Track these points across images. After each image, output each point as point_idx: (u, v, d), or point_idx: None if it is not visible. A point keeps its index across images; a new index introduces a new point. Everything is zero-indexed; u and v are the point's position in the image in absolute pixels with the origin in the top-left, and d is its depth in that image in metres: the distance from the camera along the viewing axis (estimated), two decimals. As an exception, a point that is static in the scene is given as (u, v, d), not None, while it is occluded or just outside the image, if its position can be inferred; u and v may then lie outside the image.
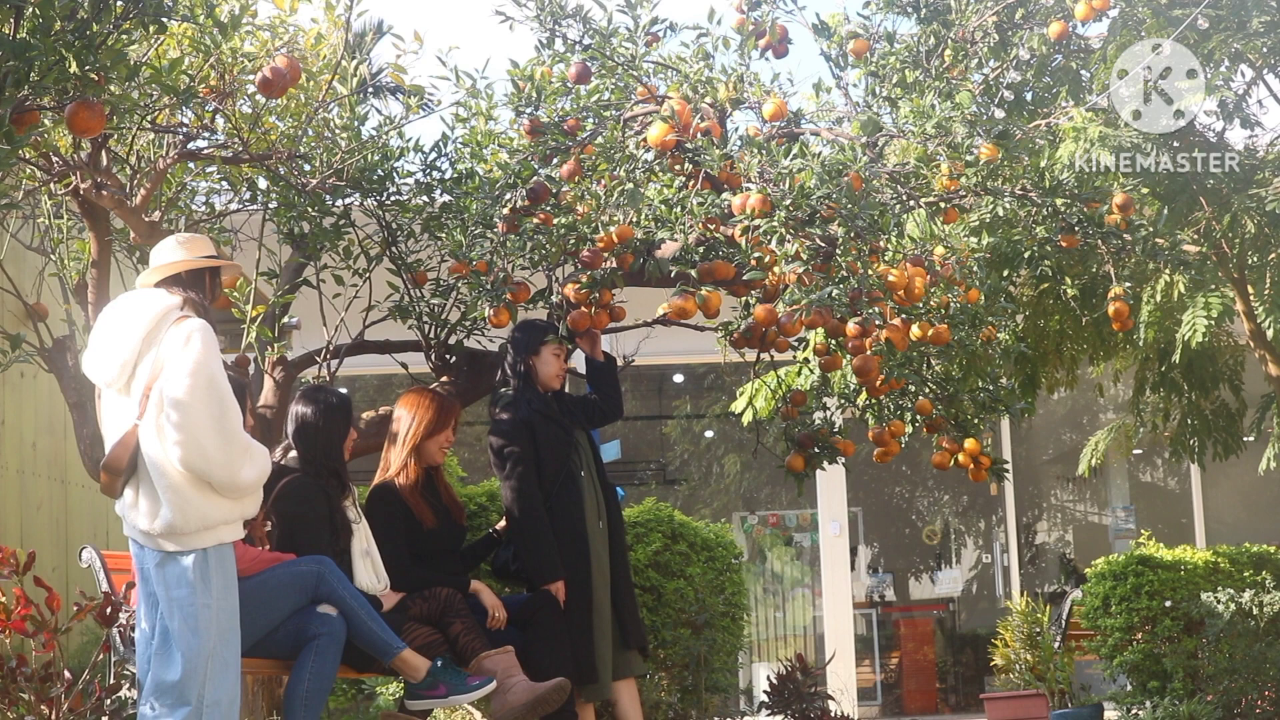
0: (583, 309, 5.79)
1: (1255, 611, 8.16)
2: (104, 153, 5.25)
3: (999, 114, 6.66)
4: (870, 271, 5.66)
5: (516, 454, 5.81)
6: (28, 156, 5.08)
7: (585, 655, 5.73)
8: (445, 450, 5.86)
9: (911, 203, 6.17)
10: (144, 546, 4.40)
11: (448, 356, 6.28)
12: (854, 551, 14.35)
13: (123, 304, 4.52)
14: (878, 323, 5.76)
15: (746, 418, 7.75)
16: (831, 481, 13.08)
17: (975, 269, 6.12)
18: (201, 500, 4.32)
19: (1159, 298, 7.33)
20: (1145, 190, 7.32)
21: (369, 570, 5.40)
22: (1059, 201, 6.22)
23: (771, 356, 6.66)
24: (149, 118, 5.03)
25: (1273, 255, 7.34)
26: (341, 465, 5.45)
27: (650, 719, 7.27)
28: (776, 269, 5.49)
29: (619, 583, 5.98)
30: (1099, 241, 6.23)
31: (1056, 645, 9.65)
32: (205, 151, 5.42)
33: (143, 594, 4.47)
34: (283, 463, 5.50)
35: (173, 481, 4.29)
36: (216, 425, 4.27)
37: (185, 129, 5.27)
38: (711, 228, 5.77)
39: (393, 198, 5.99)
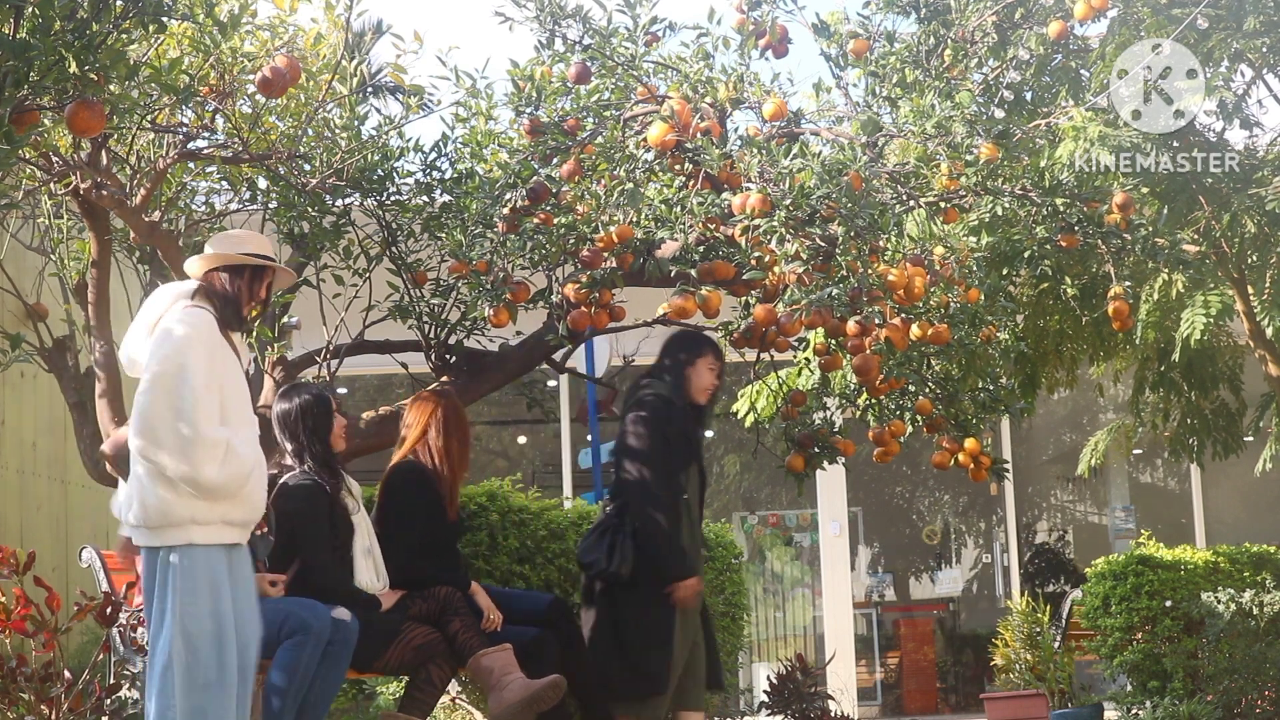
0: (583, 309, 5.79)
1: (1255, 611, 8.16)
2: (104, 153, 5.25)
3: (999, 114, 6.66)
4: (870, 271, 5.66)
5: (660, 446, 5.70)
6: (28, 156, 5.08)
7: (658, 668, 5.59)
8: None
9: (911, 202, 6.17)
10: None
11: (448, 356, 6.28)
12: (854, 551, 14.36)
13: (151, 296, 4.45)
14: (878, 322, 5.76)
15: (748, 419, 7.75)
16: (831, 481, 13.08)
17: (975, 269, 6.12)
18: (164, 494, 4.12)
19: (1157, 296, 7.33)
20: (1145, 190, 7.32)
21: (370, 569, 5.40)
22: (1059, 201, 6.21)
23: (771, 356, 6.66)
24: (149, 118, 5.03)
25: (1273, 255, 7.34)
26: (331, 455, 5.45)
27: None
28: (776, 269, 5.49)
29: (706, 621, 5.92)
30: (1099, 241, 6.23)
31: (1056, 645, 9.65)
32: (205, 151, 5.42)
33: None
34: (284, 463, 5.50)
35: (136, 472, 4.16)
36: (174, 415, 4.07)
37: (185, 129, 5.27)
38: (711, 228, 5.76)
39: (393, 198, 5.99)
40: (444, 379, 6.29)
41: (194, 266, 4.50)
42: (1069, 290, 7.59)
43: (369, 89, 8.40)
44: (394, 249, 6.16)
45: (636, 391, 5.91)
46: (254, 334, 5.65)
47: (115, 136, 5.28)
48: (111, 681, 5.00)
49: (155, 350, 4.17)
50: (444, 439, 5.74)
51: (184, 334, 4.18)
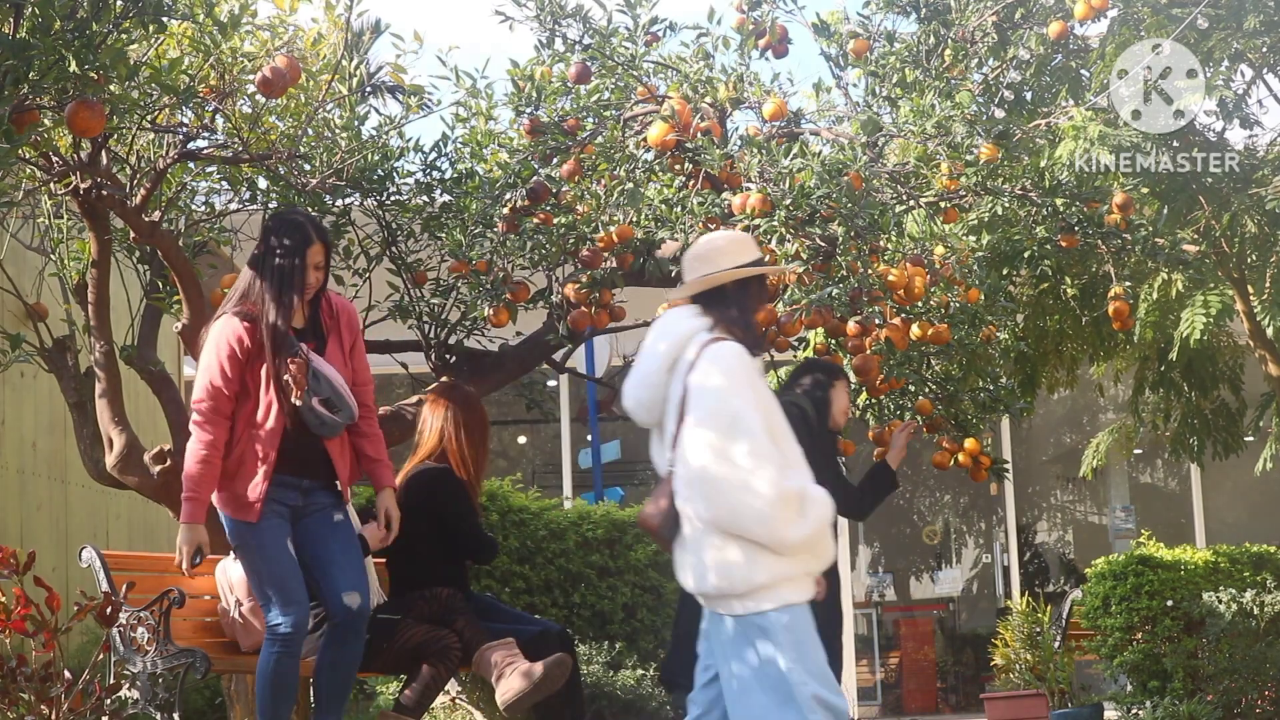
0: (583, 309, 5.79)
1: (1256, 612, 8.16)
2: (104, 153, 5.24)
3: (999, 114, 6.67)
4: (870, 271, 5.66)
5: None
6: (28, 156, 5.07)
7: None
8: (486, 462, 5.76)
9: (911, 202, 6.17)
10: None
11: (448, 356, 6.28)
12: (854, 551, 14.35)
13: (654, 330, 3.87)
14: (878, 322, 5.76)
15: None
16: (831, 481, 13.06)
17: (975, 268, 6.12)
18: (743, 557, 3.62)
19: (1157, 296, 7.33)
20: (1145, 190, 7.32)
21: (374, 578, 5.38)
22: (1059, 201, 6.22)
23: (772, 356, 6.66)
24: (149, 118, 5.03)
25: (1273, 255, 7.34)
26: None
27: (650, 719, 7.27)
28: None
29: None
30: (1099, 241, 6.24)
31: (1056, 645, 9.65)
32: (205, 151, 5.42)
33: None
34: None
35: (702, 538, 3.65)
36: (739, 477, 3.56)
37: (185, 129, 5.27)
38: (712, 227, 5.77)
39: (393, 198, 5.98)
40: (444, 379, 6.29)
41: (686, 292, 3.89)
42: (1069, 290, 7.59)
43: (369, 89, 8.41)
44: (394, 249, 6.16)
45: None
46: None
47: (115, 136, 5.28)
48: (111, 681, 5.00)
49: (699, 402, 3.63)
50: (469, 445, 5.54)
51: (722, 375, 3.64)
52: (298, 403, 4.55)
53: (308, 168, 5.57)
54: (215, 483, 4.57)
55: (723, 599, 3.69)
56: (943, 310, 6.05)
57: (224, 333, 4.56)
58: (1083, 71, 7.29)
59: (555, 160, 5.83)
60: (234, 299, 4.63)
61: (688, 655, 5.82)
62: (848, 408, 5.85)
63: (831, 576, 5.72)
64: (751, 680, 3.66)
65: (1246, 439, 9.61)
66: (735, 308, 3.83)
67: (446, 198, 6.06)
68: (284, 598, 4.60)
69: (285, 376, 4.53)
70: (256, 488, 4.56)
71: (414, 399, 6.02)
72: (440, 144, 6.10)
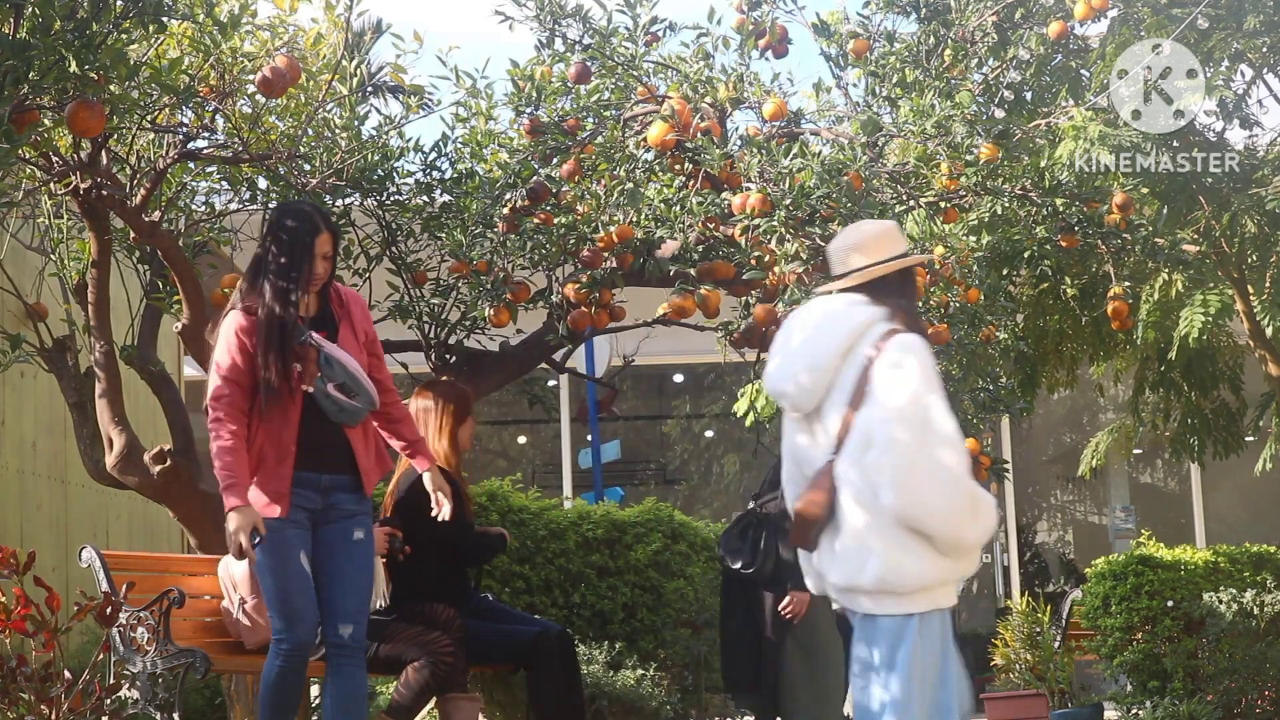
0: (582, 309, 5.79)
1: (1256, 612, 8.16)
2: (104, 153, 5.24)
3: (999, 114, 6.67)
4: (870, 271, 5.65)
5: None
6: (28, 156, 5.07)
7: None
8: (471, 438, 5.72)
9: (911, 202, 6.17)
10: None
11: (448, 356, 6.28)
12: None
13: (814, 317, 3.78)
14: (878, 322, 5.75)
15: (748, 419, 7.75)
16: (831, 481, 13.04)
17: (975, 269, 6.12)
18: (910, 556, 3.57)
19: (1157, 296, 7.34)
20: (1145, 190, 7.33)
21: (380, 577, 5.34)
22: (1059, 201, 6.22)
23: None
24: (149, 118, 5.03)
25: (1273, 255, 7.34)
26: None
27: (650, 719, 7.27)
28: (776, 268, 5.50)
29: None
30: (1099, 241, 6.24)
31: (1056, 645, 9.64)
32: (205, 151, 5.41)
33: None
34: None
35: (885, 530, 3.57)
36: (933, 469, 3.52)
37: (185, 129, 5.27)
38: (711, 227, 5.77)
39: (393, 198, 5.98)
40: (443, 379, 6.29)
41: (854, 280, 3.78)
42: (1069, 290, 7.59)
43: (369, 89, 8.41)
44: (394, 249, 6.16)
45: None
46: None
47: (115, 136, 5.28)
48: (111, 681, 5.00)
49: (891, 392, 3.57)
50: (439, 433, 5.50)
51: (918, 368, 3.59)
52: (309, 389, 4.47)
53: (308, 168, 5.56)
54: (248, 466, 4.44)
55: (878, 595, 3.62)
56: (943, 310, 6.05)
57: (231, 327, 4.51)
58: (1083, 71, 7.30)
59: (555, 160, 5.83)
60: (242, 293, 4.57)
61: (744, 655, 5.81)
62: None
63: None
64: (884, 677, 3.62)
65: (1246, 439, 9.62)
66: (904, 297, 3.78)
67: (446, 198, 6.06)
68: (289, 615, 4.50)
69: (295, 365, 4.45)
70: (282, 480, 4.46)
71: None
72: (440, 144, 6.11)
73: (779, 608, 5.55)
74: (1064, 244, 6.32)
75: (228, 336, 4.51)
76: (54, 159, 5.21)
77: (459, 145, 6.18)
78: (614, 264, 5.75)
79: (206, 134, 5.39)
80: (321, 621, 4.58)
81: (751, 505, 5.75)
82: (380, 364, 4.73)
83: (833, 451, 3.63)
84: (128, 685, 5.03)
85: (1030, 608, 9.87)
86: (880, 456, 3.54)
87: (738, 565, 5.63)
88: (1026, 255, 6.75)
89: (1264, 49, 7.11)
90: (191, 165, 5.69)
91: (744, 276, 5.62)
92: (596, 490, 11.05)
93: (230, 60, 5.14)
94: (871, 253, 3.79)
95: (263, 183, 5.93)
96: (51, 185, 5.50)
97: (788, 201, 5.33)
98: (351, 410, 4.53)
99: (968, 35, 6.71)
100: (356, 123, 5.89)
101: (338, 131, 5.80)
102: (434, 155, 6.06)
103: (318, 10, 5.90)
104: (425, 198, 6.07)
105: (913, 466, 3.52)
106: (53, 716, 4.72)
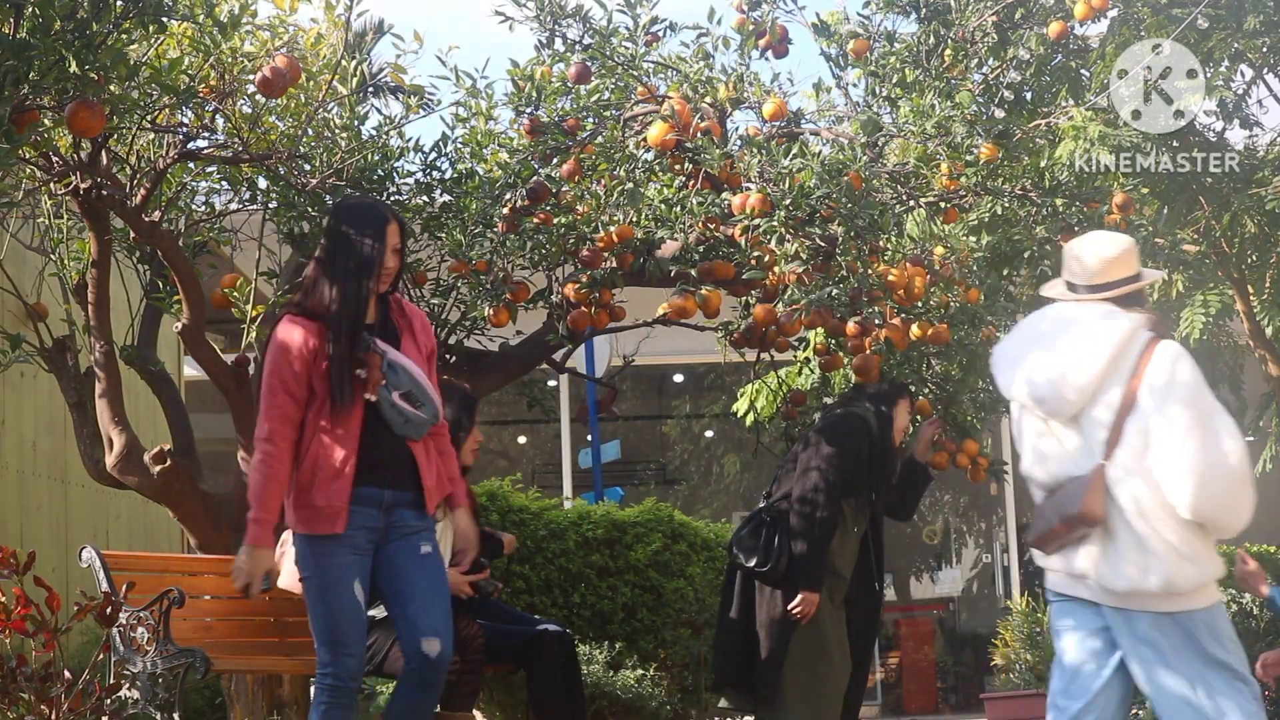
0: (582, 309, 5.79)
1: (1256, 612, 8.16)
2: (104, 153, 5.24)
3: (999, 114, 6.67)
4: (870, 271, 5.67)
5: (846, 468, 5.63)
6: (28, 156, 5.07)
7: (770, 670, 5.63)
8: (476, 452, 5.72)
9: (911, 202, 6.18)
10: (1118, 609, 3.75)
11: (448, 356, 6.28)
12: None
13: (1067, 323, 3.92)
14: (877, 322, 5.76)
15: (749, 419, 7.75)
16: (831, 481, 13.04)
17: (975, 269, 6.13)
18: (1202, 556, 3.67)
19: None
20: (1145, 190, 7.33)
21: None
22: (1059, 201, 6.22)
23: (771, 356, 6.66)
24: (149, 118, 5.03)
25: (1273, 255, 7.35)
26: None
27: (650, 719, 7.27)
28: (776, 269, 5.50)
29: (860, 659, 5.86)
30: (1099, 241, 6.22)
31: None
32: (205, 151, 5.42)
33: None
34: None
35: (1170, 532, 3.63)
36: (1224, 465, 3.64)
37: (185, 129, 5.27)
38: (711, 227, 5.77)
39: (393, 198, 5.98)
40: (443, 379, 6.29)
41: (1117, 292, 3.92)
42: (1069, 290, 7.57)
43: (369, 89, 8.41)
44: (394, 249, 6.15)
45: (844, 407, 5.91)
46: (254, 334, 5.64)
47: (115, 136, 5.28)
48: (111, 681, 5.00)
49: (1175, 396, 3.65)
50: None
51: (1192, 373, 3.69)
52: (372, 398, 4.11)
53: (308, 168, 5.56)
54: (280, 499, 4.11)
55: (1161, 597, 3.66)
56: (943, 310, 6.05)
57: (286, 334, 4.15)
58: (1083, 71, 7.30)
59: (555, 160, 5.83)
60: (297, 297, 4.26)
61: (740, 652, 5.81)
62: (907, 426, 5.94)
63: (838, 580, 5.73)
64: (1189, 677, 3.66)
65: (1246, 439, 9.61)
66: (1146, 305, 3.93)
67: (446, 198, 6.06)
68: (336, 643, 4.13)
69: (359, 371, 4.11)
70: (339, 495, 4.09)
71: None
72: (440, 144, 6.11)
73: (788, 607, 5.55)
74: (1064, 244, 6.31)
75: (281, 344, 4.16)
76: (54, 159, 5.21)
77: (459, 145, 6.18)
78: (614, 264, 5.76)
79: (206, 134, 5.40)
80: (400, 642, 4.25)
81: (763, 504, 5.76)
82: (438, 388, 4.35)
83: (1102, 456, 3.70)
84: (128, 685, 5.03)
85: (1030, 608, 9.88)
86: (1169, 457, 3.63)
87: (752, 563, 5.64)
88: (1026, 255, 6.74)
89: (1264, 49, 7.12)
90: (191, 165, 5.69)
91: (744, 276, 5.63)
92: (596, 490, 11.05)
93: (230, 60, 5.14)
94: (1132, 266, 3.95)
95: (263, 183, 5.94)
96: (51, 185, 5.50)
97: (788, 201, 5.33)
98: (417, 421, 4.18)
99: (968, 35, 6.71)
100: (356, 123, 5.89)
101: (338, 131, 5.81)
102: (434, 155, 6.07)
103: (318, 10, 5.91)
104: (425, 198, 6.07)
105: (1213, 468, 3.62)
106: (53, 716, 4.72)
